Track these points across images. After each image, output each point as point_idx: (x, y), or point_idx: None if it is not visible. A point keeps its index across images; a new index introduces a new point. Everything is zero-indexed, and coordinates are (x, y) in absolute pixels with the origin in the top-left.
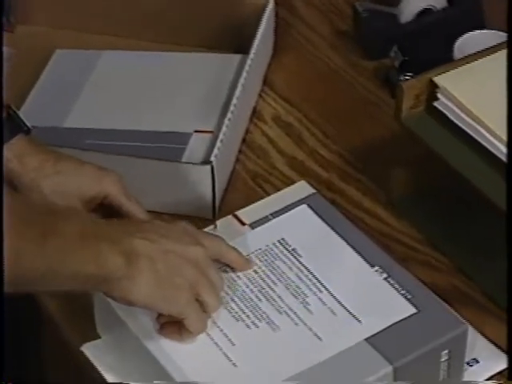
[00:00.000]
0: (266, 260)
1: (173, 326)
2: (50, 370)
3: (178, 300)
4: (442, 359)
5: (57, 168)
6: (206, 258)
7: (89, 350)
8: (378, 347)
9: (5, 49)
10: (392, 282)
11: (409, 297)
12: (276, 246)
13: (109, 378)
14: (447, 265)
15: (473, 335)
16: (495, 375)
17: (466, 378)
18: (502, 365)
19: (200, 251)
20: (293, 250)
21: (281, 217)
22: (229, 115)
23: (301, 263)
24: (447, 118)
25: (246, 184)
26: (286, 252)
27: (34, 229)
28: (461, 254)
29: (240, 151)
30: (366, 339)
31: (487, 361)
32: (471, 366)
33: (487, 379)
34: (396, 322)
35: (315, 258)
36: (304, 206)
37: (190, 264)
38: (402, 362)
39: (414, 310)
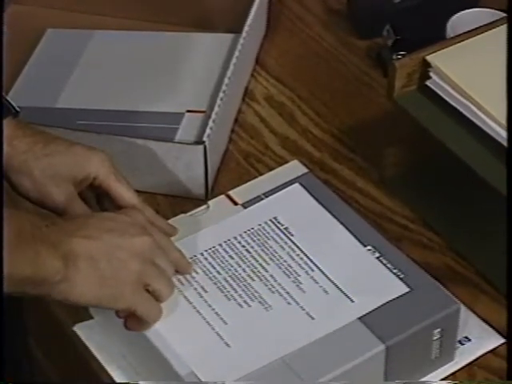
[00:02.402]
0: (258, 239)
1: (134, 317)
2: (41, 350)
3: (124, 295)
4: (434, 338)
5: (46, 150)
6: (153, 247)
7: (81, 330)
8: (370, 326)
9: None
10: (384, 261)
11: (401, 276)
12: (268, 225)
13: (101, 358)
14: (440, 244)
15: (465, 313)
16: (487, 353)
17: (457, 356)
18: (494, 343)
19: (146, 241)
20: (285, 229)
21: (273, 196)
22: (221, 95)
23: (293, 242)
24: (440, 96)
25: (239, 164)
26: (278, 231)
27: None
28: (454, 232)
29: (232, 131)
30: (359, 318)
31: (479, 339)
32: (463, 344)
33: (479, 357)
34: (388, 301)
35: (308, 237)
36: (296, 185)
37: (135, 256)
38: (395, 340)
39: (406, 289)
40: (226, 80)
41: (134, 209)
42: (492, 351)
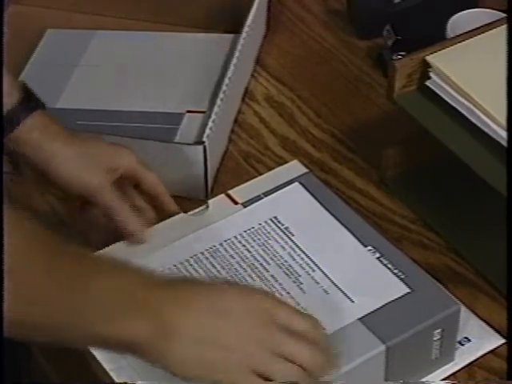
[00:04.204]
0: (258, 239)
1: None
2: (40, 350)
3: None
4: (435, 338)
5: (77, 140)
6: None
7: None
8: (370, 327)
9: None
10: (385, 261)
11: (402, 276)
12: (269, 225)
13: (100, 358)
14: (440, 244)
15: (465, 314)
16: (487, 354)
17: (457, 357)
18: (494, 343)
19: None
20: (285, 228)
21: (273, 195)
22: (221, 95)
23: (293, 242)
24: (440, 97)
25: (239, 164)
26: (278, 231)
27: (59, 274)
28: (454, 233)
29: (232, 131)
30: (359, 319)
31: (479, 339)
32: (463, 344)
33: (479, 358)
34: (389, 302)
35: (308, 237)
36: (296, 184)
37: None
38: (395, 341)
39: (407, 290)
40: (226, 80)
41: (260, 291)
42: (492, 352)
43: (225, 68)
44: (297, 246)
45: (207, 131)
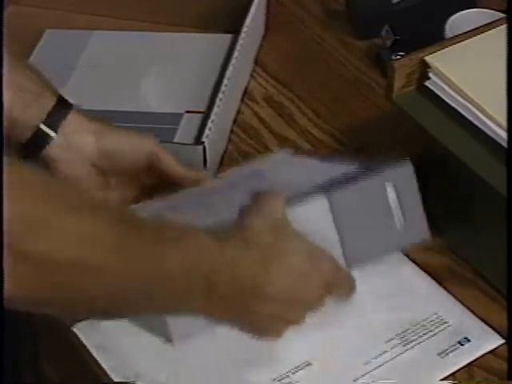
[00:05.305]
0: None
1: None
2: (44, 350)
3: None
4: (390, 196)
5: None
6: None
7: (80, 330)
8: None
9: None
10: None
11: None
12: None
13: (99, 358)
14: (440, 244)
15: (464, 314)
16: (486, 354)
17: (457, 357)
18: (494, 344)
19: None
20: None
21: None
22: (220, 95)
23: None
24: (439, 97)
25: (238, 164)
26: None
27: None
28: (453, 233)
29: (232, 131)
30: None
31: (478, 340)
32: (462, 345)
33: (478, 358)
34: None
35: None
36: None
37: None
38: (338, 193)
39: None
40: (225, 80)
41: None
42: (491, 352)
43: (224, 68)
44: None
45: (206, 131)
